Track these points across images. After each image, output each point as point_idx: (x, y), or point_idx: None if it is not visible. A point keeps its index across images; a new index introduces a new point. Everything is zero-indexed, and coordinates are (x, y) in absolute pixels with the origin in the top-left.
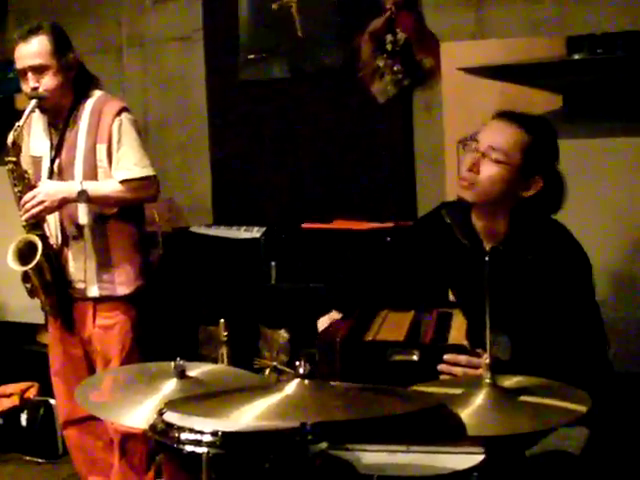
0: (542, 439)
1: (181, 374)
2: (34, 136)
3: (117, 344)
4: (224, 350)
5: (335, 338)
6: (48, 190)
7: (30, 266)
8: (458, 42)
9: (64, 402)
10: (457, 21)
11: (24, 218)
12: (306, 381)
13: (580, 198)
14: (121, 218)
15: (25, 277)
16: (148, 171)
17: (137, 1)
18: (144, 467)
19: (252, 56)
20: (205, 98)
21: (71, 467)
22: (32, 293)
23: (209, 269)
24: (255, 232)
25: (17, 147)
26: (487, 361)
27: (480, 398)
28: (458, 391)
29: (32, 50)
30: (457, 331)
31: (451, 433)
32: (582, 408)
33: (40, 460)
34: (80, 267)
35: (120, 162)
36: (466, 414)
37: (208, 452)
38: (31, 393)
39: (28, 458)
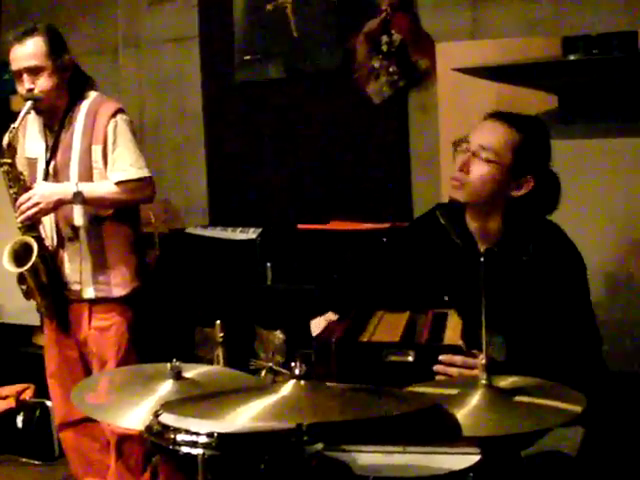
0: (538, 439)
1: (177, 375)
2: (29, 138)
3: (113, 346)
4: (220, 351)
5: (331, 339)
6: (43, 192)
7: (26, 268)
8: (453, 43)
9: (60, 404)
10: (453, 21)
11: (20, 220)
12: (302, 382)
13: (575, 199)
14: (117, 219)
15: (21, 279)
16: (144, 172)
17: (133, 2)
18: (140, 469)
19: (247, 57)
20: (201, 99)
21: (67, 469)
22: (28, 295)
23: (205, 270)
24: (251, 233)
25: (12, 149)
26: (483, 362)
27: (476, 399)
28: (454, 392)
29: (27, 51)
30: (452, 332)
31: (447, 434)
32: (577, 408)
33: (36, 462)
34: (76, 269)
35: (115, 163)
36: (462, 414)
37: (204, 453)
38: (27, 395)
39: (24, 460)
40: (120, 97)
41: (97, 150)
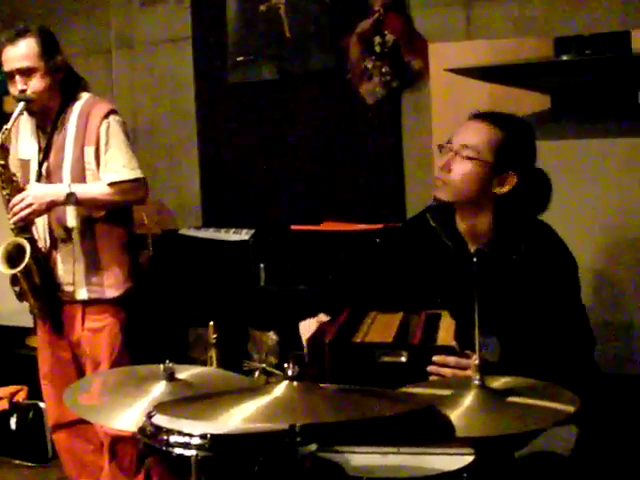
0: (531, 440)
1: (170, 377)
2: (22, 139)
3: (106, 347)
4: (213, 352)
5: (324, 339)
6: (36, 193)
7: (19, 269)
8: (446, 43)
9: (53, 405)
10: (446, 22)
11: (12, 221)
12: (295, 383)
13: (567, 199)
14: (109, 220)
15: (14, 280)
16: (136, 173)
17: (126, 3)
18: (134, 470)
19: (240, 58)
20: (194, 100)
21: (61, 471)
22: (21, 296)
23: (198, 271)
24: (244, 234)
25: (5, 150)
26: (476, 362)
27: (469, 399)
28: (447, 392)
29: (20, 53)
30: (445, 332)
31: (440, 434)
32: (570, 408)
33: (30, 464)
34: (69, 270)
35: (108, 164)
36: (455, 415)
37: (197, 455)
38: (20, 397)
39: (17, 462)
40: (113, 98)
41: (90, 151)
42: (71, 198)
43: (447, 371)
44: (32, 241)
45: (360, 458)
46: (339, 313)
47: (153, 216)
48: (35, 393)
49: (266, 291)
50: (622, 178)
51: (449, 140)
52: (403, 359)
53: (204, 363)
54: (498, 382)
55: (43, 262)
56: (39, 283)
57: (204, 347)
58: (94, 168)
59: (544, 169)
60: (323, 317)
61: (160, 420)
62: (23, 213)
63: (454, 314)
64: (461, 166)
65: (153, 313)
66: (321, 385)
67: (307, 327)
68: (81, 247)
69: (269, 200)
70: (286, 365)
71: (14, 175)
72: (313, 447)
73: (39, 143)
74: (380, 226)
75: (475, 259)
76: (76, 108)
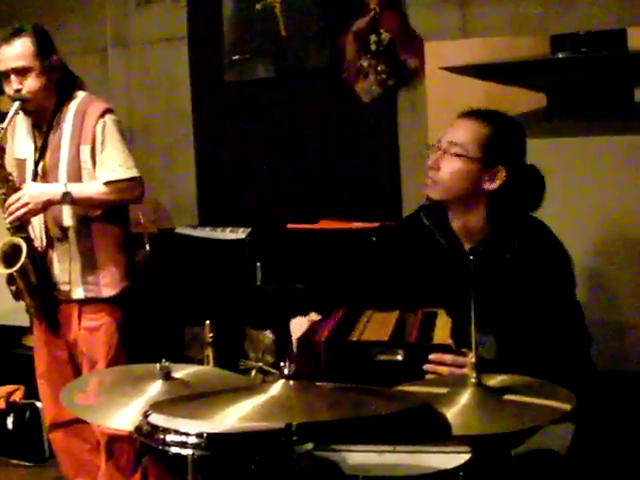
0: (528, 438)
1: (167, 376)
2: (18, 138)
3: (103, 346)
4: (209, 351)
5: (320, 338)
6: (32, 192)
7: (15, 269)
8: (442, 41)
9: (50, 405)
10: (441, 20)
11: (8, 221)
12: (291, 382)
13: (563, 197)
14: (106, 219)
15: (10, 280)
16: (132, 172)
17: (121, 2)
18: (131, 469)
19: (236, 57)
20: (190, 99)
21: (58, 470)
22: (17, 296)
23: (194, 270)
24: (240, 233)
25: (1, 149)
26: (472, 360)
27: (465, 397)
28: (443, 391)
29: (15, 52)
30: (442, 331)
31: (437, 433)
32: (567, 406)
33: (27, 463)
34: (65, 269)
35: (104, 163)
36: (451, 413)
37: (193, 454)
38: (17, 396)
39: (15, 462)
40: (109, 97)
41: (86, 150)
42: (67, 197)
43: (444, 369)
44: (28, 240)
45: (356, 457)
46: (330, 312)
47: (149, 215)
48: (32, 392)
49: (262, 290)
50: (618, 176)
51: (439, 140)
52: (399, 357)
53: (200, 362)
54: (494, 380)
55: (39, 261)
56: (35, 282)
57: (200, 346)
58: (90, 167)
59: (538, 166)
60: (314, 316)
61: (156, 419)
62: (19, 212)
63: (450, 312)
64: (450, 164)
65: (149, 312)
66: (317, 384)
67: (298, 326)
68: (77, 246)
69: (265, 199)
70: (282, 364)
71: (10, 174)
72: (309, 446)
73: (35, 142)
74: (376, 224)
75: (472, 257)
76: (72, 107)
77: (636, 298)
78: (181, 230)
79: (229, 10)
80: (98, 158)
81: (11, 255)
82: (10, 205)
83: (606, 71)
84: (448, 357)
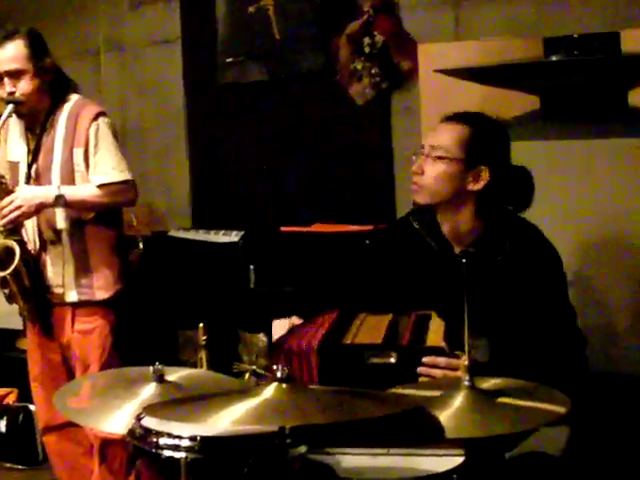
0: (522, 441)
1: (160, 379)
2: (11, 141)
3: (96, 349)
4: (203, 354)
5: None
6: (25, 195)
7: (8, 271)
8: (435, 44)
9: (43, 408)
10: (435, 23)
11: (1, 224)
12: (284, 385)
13: (555, 200)
14: (99, 222)
15: (3, 283)
16: (125, 175)
17: (114, 5)
18: (124, 472)
19: (230, 59)
20: (183, 102)
21: (51, 473)
22: (10, 299)
23: (188, 273)
24: (234, 236)
25: None
26: (466, 363)
27: (459, 400)
28: (436, 393)
29: (8, 55)
30: (435, 333)
31: (430, 435)
32: (561, 409)
33: (20, 467)
34: (58, 272)
35: (97, 166)
36: (445, 416)
37: (186, 457)
38: (10, 399)
39: (8, 465)
40: (102, 100)
41: (79, 153)
42: (60, 200)
43: (437, 372)
44: (21, 243)
45: (350, 459)
46: (312, 316)
47: (143, 218)
48: (25, 396)
49: (256, 293)
50: (611, 179)
51: (422, 145)
52: (392, 360)
53: (194, 365)
54: (488, 383)
55: (32, 264)
56: (29, 285)
57: (194, 349)
58: (83, 170)
59: (531, 168)
60: (296, 320)
61: (149, 422)
62: (12, 215)
63: (442, 315)
64: (433, 167)
65: (143, 315)
66: (310, 387)
67: (279, 328)
68: (71, 249)
69: (259, 201)
70: (275, 367)
71: (3, 177)
72: (303, 449)
73: (28, 145)
74: (370, 227)
75: (464, 260)
76: (65, 110)
77: (625, 302)
78: (174, 233)
79: (222, 12)
80: (91, 161)
81: (4, 258)
82: (3, 208)
83: (599, 74)
84: (441, 360)
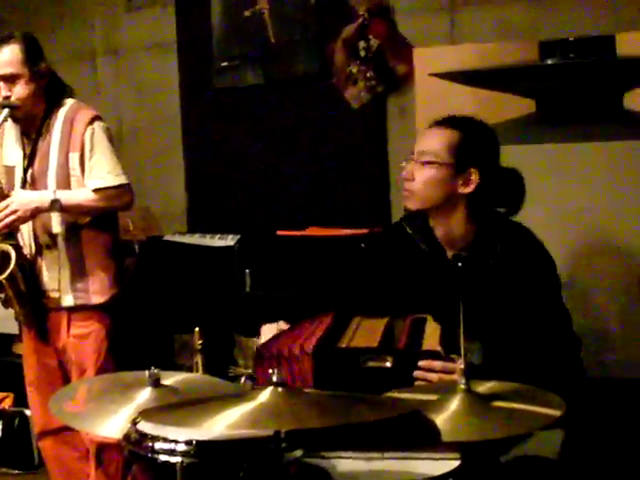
0: (517, 444)
1: (156, 383)
2: (7, 146)
3: (92, 353)
4: (199, 358)
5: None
6: (21, 199)
7: (3, 276)
8: (431, 48)
9: (39, 413)
10: (430, 26)
11: None
12: (280, 389)
13: (551, 203)
14: (95, 226)
15: None
16: (121, 179)
17: (110, 9)
18: (120, 477)
19: (225, 63)
20: (179, 106)
21: (47, 478)
22: (6, 303)
23: (184, 277)
24: (229, 240)
25: None
26: (461, 366)
27: (455, 404)
28: (432, 397)
29: (3, 59)
30: (431, 337)
31: (426, 439)
32: (556, 412)
33: (16, 471)
34: (54, 276)
35: (93, 171)
36: (441, 420)
37: (182, 461)
38: (6, 404)
39: (4, 470)
40: (98, 104)
41: (74, 158)
42: (56, 204)
43: (433, 376)
44: (17, 248)
45: (346, 463)
46: (299, 321)
47: (139, 223)
48: (21, 400)
49: (252, 297)
50: (607, 182)
51: (411, 151)
52: (388, 364)
53: (190, 369)
54: (484, 387)
55: (28, 269)
56: (24, 290)
57: (190, 353)
58: (79, 174)
59: (526, 172)
60: (283, 325)
61: (145, 427)
62: (8, 220)
63: (437, 319)
64: (423, 173)
65: (139, 319)
66: (306, 391)
67: (267, 332)
68: (66, 253)
69: (255, 205)
70: (271, 371)
71: None
72: (298, 453)
73: (24, 150)
74: (365, 231)
75: (460, 264)
76: (60, 114)
77: (617, 305)
78: (170, 237)
79: (218, 16)
80: (87, 165)
81: (0, 263)
82: None
83: (595, 77)
84: (437, 363)
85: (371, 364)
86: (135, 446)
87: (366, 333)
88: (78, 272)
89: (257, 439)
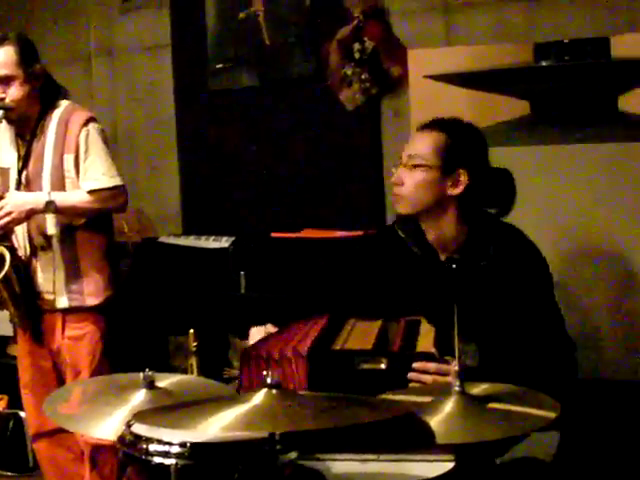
0: (512, 446)
1: (150, 385)
2: (1, 147)
3: (86, 355)
4: (193, 360)
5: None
6: (16, 201)
7: None
8: (425, 49)
9: (34, 414)
10: (425, 28)
11: None
12: (274, 391)
13: (545, 205)
14: (90, 228)
15: None
16: (116, 181)
17: (105, 11)
18: (115, 479)
19: (220, 65)
20: (174, 107)
21: None
22: (0, 305)
23: (178, 279)
24: (224, 242)
25: None
26: (456, 368)
27: (449, 406)
28: (427, 399)
29: None
30: (425, 339)
31: (420, 441)
32: (551, 414)
33: (10, 474)
34: (49, 278)
35: (88, 172)
36: (435, 422)
37: (176, 463)
38: (0, 406)
39: None
40: (93, 106)
41: (69, 159)
42: (50, 206)
43: (427, 378)
44: (12, 249)
45: (340, 465)
46: (286, 324)
47: (133, 224)
48: (15, 402)
49: (246, 298)
50: (601, 184)
51: (400, 156)
52: (383, 366)
53: (184, 371)
54: (478, 388)
55: (23, 270)
56: (19, 292)
57: (184, 355)
58: (74, 176)
59: (521, 174)
60: (270, 328)
61: (139, 429)
62: (2, 221)
63: (432, 322)
64: (411, 176)
65: (133, 321)
66: (300, 393)
67: (256, 334)
68: (61, 255)
69: (249, 207)
70: (265, 372)
71: None
72: (293, 455)
73: (18, 151)
74: (360, 233)
75: (454, 265)
76: (55, 116)
77: (606, 307)
78: (165, 239)
79: (213, 18)
80: (81, 167)
81: None
82: None
83: (589, 79)
84: (432, 365)
85: (365, 366)
86: (129, 448)
87: (360, 335)
88: (73, 274)
89: (252, 441)
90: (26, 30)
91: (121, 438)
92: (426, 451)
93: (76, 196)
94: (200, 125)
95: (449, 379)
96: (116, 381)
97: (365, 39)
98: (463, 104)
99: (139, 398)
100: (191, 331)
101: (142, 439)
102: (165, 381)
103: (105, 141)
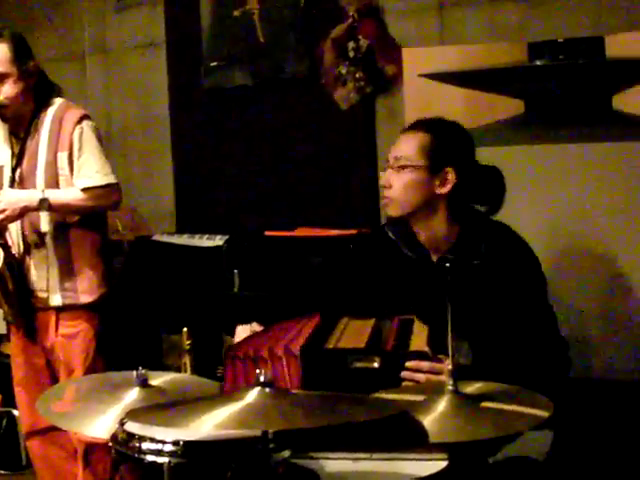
0: (505, 445)
1: (144, 383)
2: None
3: (80, 353)
4: (187, 359)
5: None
6: (9, 199)
7: None
8: (420, 48)
9: (27, 412)
10: (419, 27)
11: None
12: (267, 389)
13: (539, 204)
14: (83, 226)
15: None
16: (110, 179)
17: (99, 9)
18: (108, 477)
19: (214, 63)
20: (168, 106)
21: (35, 478)
22: None
23: (172, 277)
24: (218, 240)
25: None
26: (449, 367)
27: (442, 405)
28: (420, 398)
29: None
30: (418, 338)
31: (413, 440)
32: (544, 413)
33: (3, 472)
34: (42, 276)
35: (81, 170)
36: (428, 421)
37: (169, 462)
38: None
39: None
40: (87, 104)
41: (63, 157)
42: (44, 203)
43: (421, 376)
44: (5, 247)
45: (334, 464)
46: (272, 323)
47: (127, 223)
48: (9, 400)
49: (240, 297)
50: (595, 184)
51: (387, 159)
52: (376, 365)
53: (178, 370)
54: (472, 387)
55: (16, 268)
56: (12, 289)
57: (178, 354)
58: (67, 174)
59: (517, 173)
60: (256, 326)
61: (132, 427)
62: None
63: (425, 322)
64: (399, 178)
65: (127, 319)
66: (293, 391)
67: (242, 332)
68: (55, 252)
69: (243, 206)
70: (258, 371)
71: None
72: (286, 453)
73: (12, 149)
74: (353, 232)
75: (448, 264)
76: (49, 114)
77: (599, 307)
78: (158, 237)
79: (207, 16)
80: (75, 164)
81: None
82: None
83: (584, 79)
84: (425, 364)
85: (358, 365)
86: (122, 446)
87: (353, 334)
88: (66, 271)
89: (245, 439)
90: (20, 27)
91: (114, 436)
92: (419, 450)
93: (70, 194)
94: (194, 123)
95: (442, 378)
96: (109, 379)
97: (360, 38)
98: (457, 103)
99: (132, 396)
100: (184, 329)
101: (135, 437)
102: (158, 379)
103: (99, 139)
